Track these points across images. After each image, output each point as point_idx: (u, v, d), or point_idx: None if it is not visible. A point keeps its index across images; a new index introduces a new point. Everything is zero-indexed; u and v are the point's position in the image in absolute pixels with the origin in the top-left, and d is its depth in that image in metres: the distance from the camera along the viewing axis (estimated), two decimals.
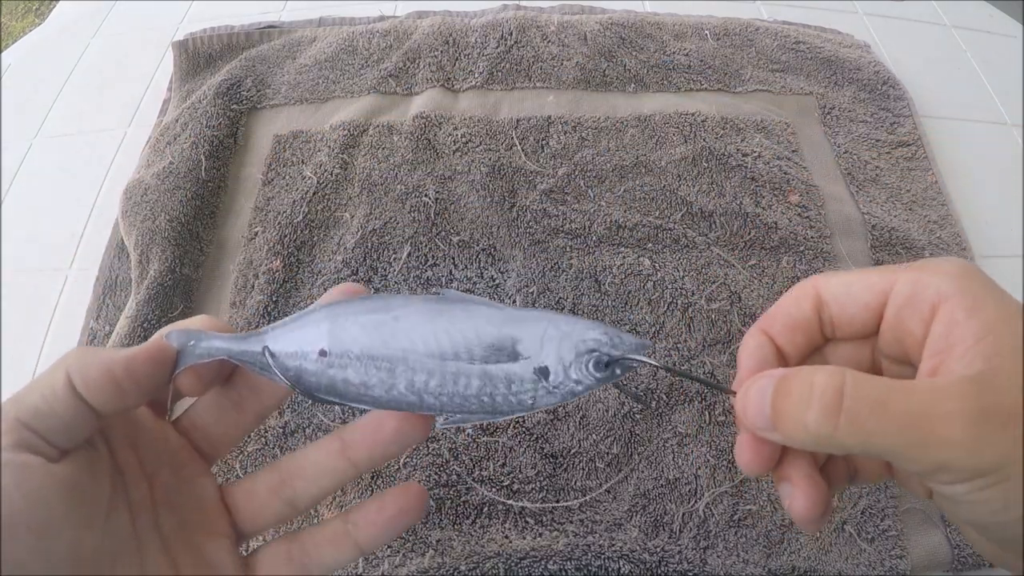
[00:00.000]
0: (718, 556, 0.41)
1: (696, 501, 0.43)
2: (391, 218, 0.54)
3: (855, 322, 0.22)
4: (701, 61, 0.66)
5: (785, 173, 0.57)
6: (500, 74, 0.64)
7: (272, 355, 0.23)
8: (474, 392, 0.22)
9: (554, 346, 0.22)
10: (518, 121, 0.60)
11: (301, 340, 0.23)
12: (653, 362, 0.23)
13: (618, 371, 0.23)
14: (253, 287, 0.51)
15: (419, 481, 0.43)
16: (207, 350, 0.23)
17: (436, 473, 0.43)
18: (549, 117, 0.61)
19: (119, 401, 0.22)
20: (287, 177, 0.57)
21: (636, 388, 0.46)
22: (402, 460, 0.44)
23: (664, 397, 0.46)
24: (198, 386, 0.25)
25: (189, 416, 0.26)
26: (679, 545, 0.41)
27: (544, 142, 0.59)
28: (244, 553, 0.26)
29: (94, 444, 0.22)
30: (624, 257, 0.52)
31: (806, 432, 0.18)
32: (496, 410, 0.23)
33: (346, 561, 0.25)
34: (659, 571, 0.40)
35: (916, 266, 0.21)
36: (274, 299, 0.50)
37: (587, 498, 0.42)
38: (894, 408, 0.17)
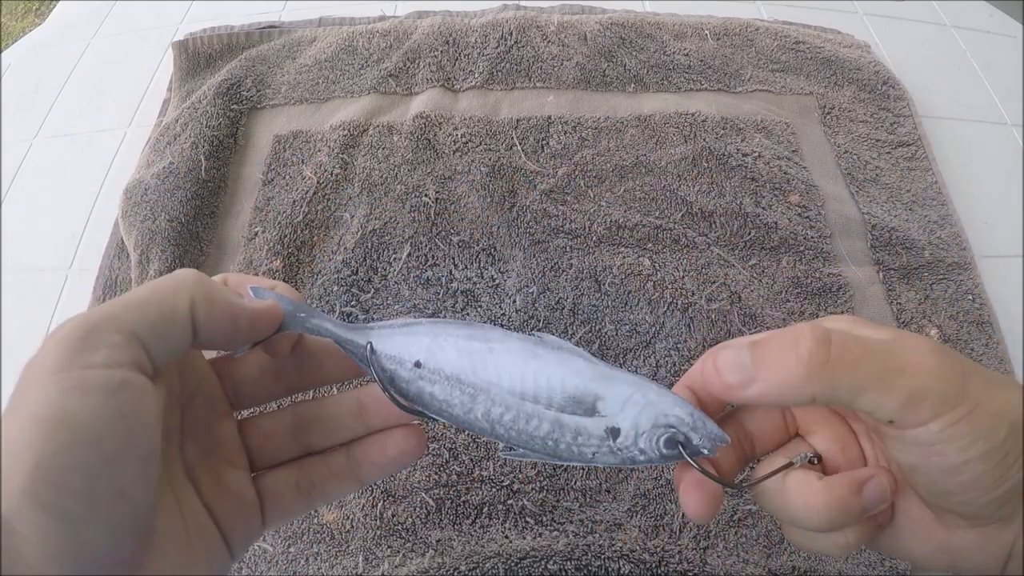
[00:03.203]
0: (718, 556, 0.41)
1: None
2: (391, 218, 0.54)
3: None
4: (701, 61, 0.66)
5: (785, 173, 0.57)
6: (500, 74, 0.64)
7: (374, 352, 0.25)
8: (541, 435, 0.24)
9: (634, 411, 0.23)
10: (518, 121, 0.60)
11: (402, 347, 0.25)
12: (714, 475, 0.23)
13: (685, 454, 0.23)
14: None
15: (419, 481, 0.43)
16: (317, 327, 0.25)
17: (436, 473, 0.43)
18: (549, 117, 0.61)
19: (227, 345, 0.22)
20: (287, 177, 0.57)
21: None
22: None
23: None
24: (285, 350, 0.25)
25: (229, 363, 0.26)
26: (679, 545, 0.41)
27: (544, 142, 0.59)
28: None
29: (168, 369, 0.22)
30: (624, 257, 0.52)
31: (798, 367, 0.20)
32: (557, 455, 0.24)
33: (348, 492, 0.26)
34: (659, 571, 0.40)
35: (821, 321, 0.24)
36: None
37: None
38: (872, 347, 0.21)
